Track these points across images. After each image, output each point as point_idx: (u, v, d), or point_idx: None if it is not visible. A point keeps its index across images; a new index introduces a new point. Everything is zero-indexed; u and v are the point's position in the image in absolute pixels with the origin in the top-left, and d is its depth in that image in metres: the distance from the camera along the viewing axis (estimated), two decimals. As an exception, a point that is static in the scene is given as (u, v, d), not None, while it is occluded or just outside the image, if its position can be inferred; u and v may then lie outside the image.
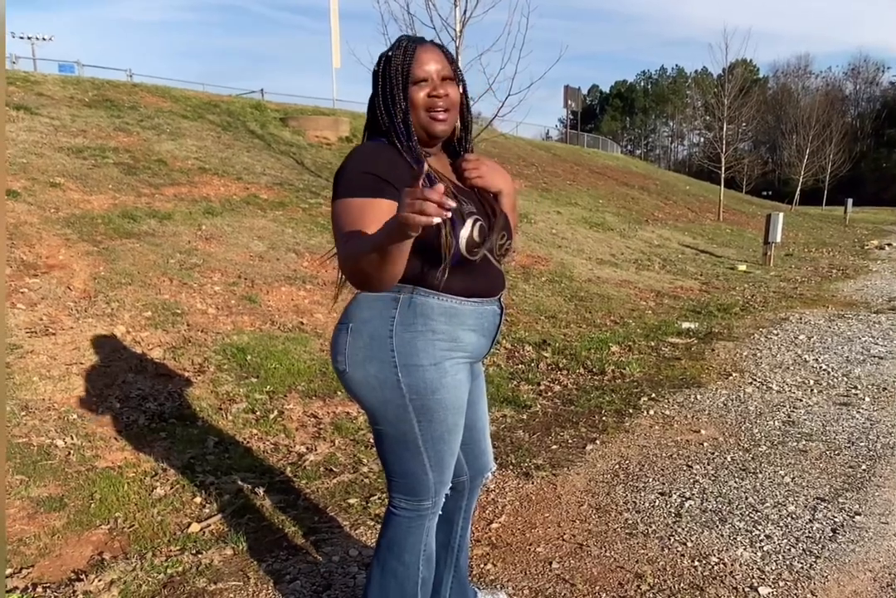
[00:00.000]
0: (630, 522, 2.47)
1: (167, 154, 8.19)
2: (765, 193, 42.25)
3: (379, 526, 2.36)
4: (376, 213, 1.26)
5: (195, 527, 2.37)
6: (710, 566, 2.17)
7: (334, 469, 2.83)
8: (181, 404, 3.35)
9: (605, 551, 2.26)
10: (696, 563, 2.19)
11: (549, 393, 4.07)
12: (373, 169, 1.32)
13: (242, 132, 10.85)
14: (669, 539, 2.34)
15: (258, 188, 8.00)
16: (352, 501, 2.57)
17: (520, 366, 4.60)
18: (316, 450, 3.01)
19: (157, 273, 4.82)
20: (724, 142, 17.17)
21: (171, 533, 2.34)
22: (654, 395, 4.02)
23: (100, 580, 2.05)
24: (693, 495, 2.68)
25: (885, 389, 4.13)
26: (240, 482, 2.69)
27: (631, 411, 3.75)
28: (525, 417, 3.62)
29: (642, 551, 2.26)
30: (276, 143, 10.81)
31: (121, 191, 6.45)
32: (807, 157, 26.30)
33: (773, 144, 49.48)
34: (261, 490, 2.62)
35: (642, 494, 2.70)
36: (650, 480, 2.83)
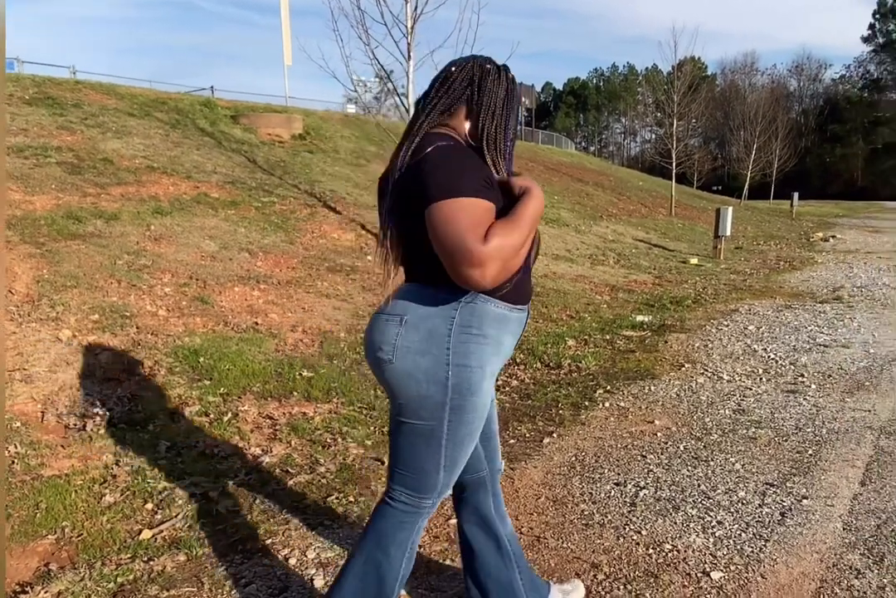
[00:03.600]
0: (586, 513, 2.50)
1: (113, 153, 7.97)
2: (715, 188, 43.20)
3: (335, 526, 2.35)
4: (491, 216, 1.34)
5: (147, 534, 2.31)
6: (664, 554, 2.21)
7: (291, 470, 2.79)
8: (131, 409, 3.27)
9: (563, 542, 2.28)
10: (651, 551, 2.23)
11: (507, 388, 4.09)
12: (481, 173, 1.39)
13: (192, 130, 10.62)
14: (625, 529, 2.37)
15: (209, 187, 7.85)
16: (308, 501, 2.54)
17: (477, 362, 4.61)
18: (271, 452, 2.97)
19: (103, 275, 4.69)
20: (674, 138, 17.50)
21: (121, 541, 2.27)
22: (609, 387, 4.08)
23: (46, 592, 1.98)
24: (647, 484, 2.73)
25: (830, 376, 4.27)
26: (193, 487, 2.63)
27: (587, 403, 3.79)
28: (483, 412, 3.63)
29: (598, 541, 2.29)
30: (227, 141, 10.61)
31: (64, 191, 6.25)
32: (754, 152, 26.97)
33: (722, 139, 50.61)
34: (215, 494, 2.57)
35: (598, 485, 2.73)
36: (606, 471, 2.87)
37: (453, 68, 1.50)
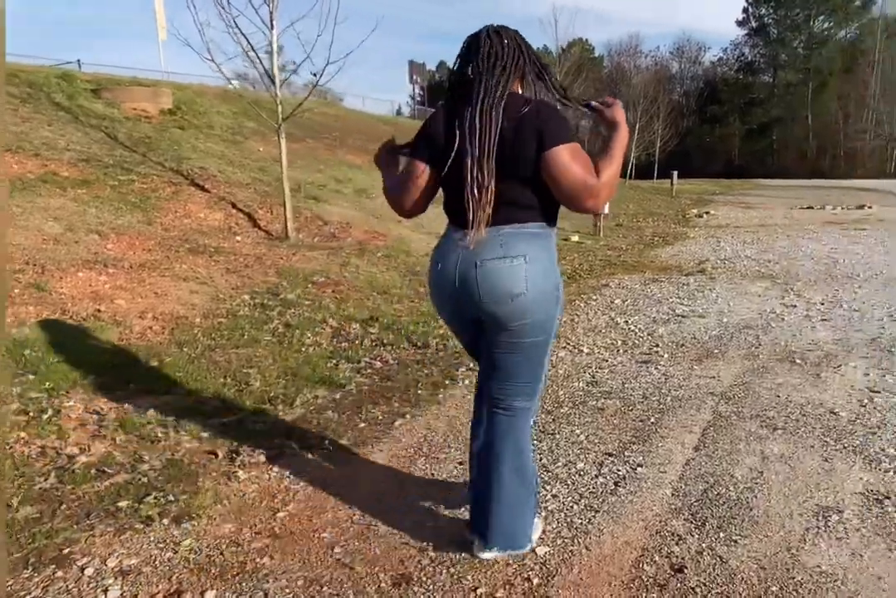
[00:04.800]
0: (424, 495, 2.42)
1: (-56, 127, 7.16)
2: (605, 167, 44.40)
3: (147, 530, 2.16)
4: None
5: (-77, 553, 2.04)
6: (494, 533, 2.16)
7: (108, 470, 2.56)
8: (-68, 411, 2.91)
9: (394, 528, 2.19)
10: (482, 531, 2.17)
11: (369, 370, 3.97)
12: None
13: (45, 105, 9.75)
14: (460, 509, 2.31)
15: (59, 165, 7.22)
16: (122, 504, 2.33)
17: (343, 344, 4.46)
18: (90, 451, 2.71)
19: (-85, 262, 4.18)
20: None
21: None
22: (472, 365, 4.03)
23: None
24: (491, 462, 2.69)
25: (682, 345, 4.41)
26: (-9, 495, 2.36)
27: (447, 382, 3.74)
28: (338, 396, 3.50)
29: (431, 524, 2.22)
30: (85, 116, 9.82)
31: None
32: (636, 132, 27.92)
33: (610, 120, 52.07)
34: (14, 501, 2.31)
35: (442, 465, 2.67)
36: (452, 450, 2.81)
37: (505, 40, 1.77)
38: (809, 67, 53.38)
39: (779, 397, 3.40)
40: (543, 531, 2.16)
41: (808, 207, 17.24)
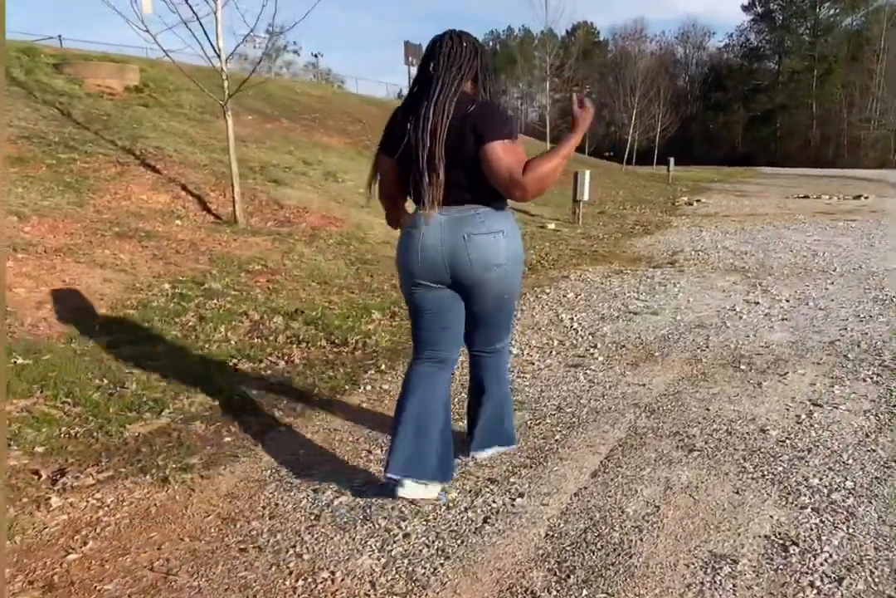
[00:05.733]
0: (254, 533, 2.06)
1: None
2: (608, 153, 43.88)
3: None
4: (522, 151, 1.95)
5: None
6: (314, 585, 1.81)
7: None
8: None
9: (195, 579, 1.84)
10: (300, 582, 1.82)
11: (269, 372, 3.61)
12: (511, 120, 2.02)
13: None
14: (287, 552, 1.96)
15: (-5, 142, 6.82)
16: None
17: (256, 341, 4.10)
18: None
19: None
20: (548, 102, 17.28)
21: None
22: (384, 367, 3.67)
23: None
24: (351, 488, 2.33)
25: (623, 346, 4.04)
26: None
27: (347, 387, 3.38)
28: (217, 403, 3.13)
29: (243, 573, 1.86)
30: (41, 91, 9.40)
31: None
32: (634, 117, 27.31)
33: (614, 105, 51.45)
34: None
35: (293, 493, 2.31)
36: (315, 473, 2.45)
37: (464, 44, 2.00)
38: (814, 55, 52.43)
39: (708, 410, 3.03)
40: (373, 585, 1.80)
41: (803, 197, 16.76)
